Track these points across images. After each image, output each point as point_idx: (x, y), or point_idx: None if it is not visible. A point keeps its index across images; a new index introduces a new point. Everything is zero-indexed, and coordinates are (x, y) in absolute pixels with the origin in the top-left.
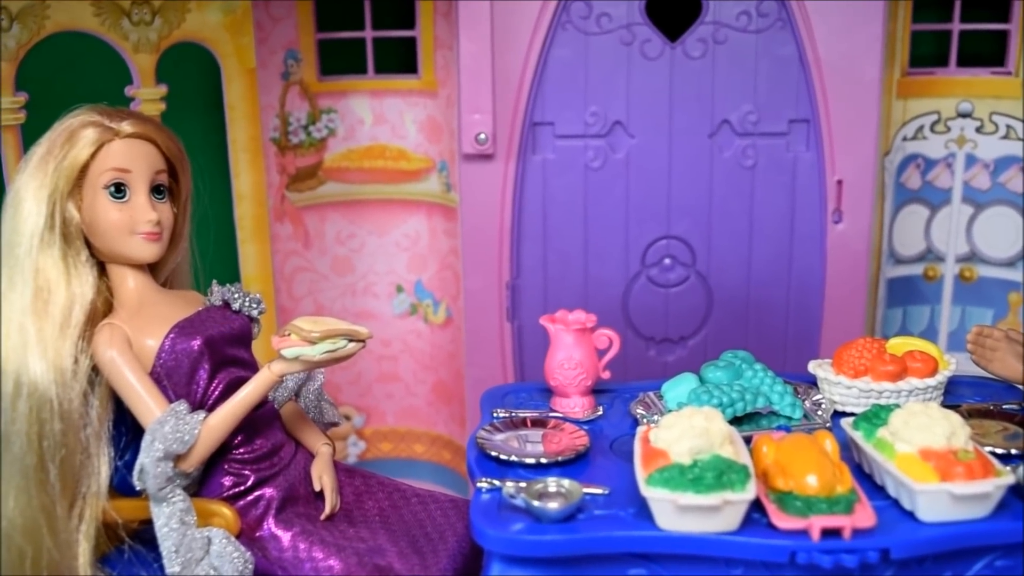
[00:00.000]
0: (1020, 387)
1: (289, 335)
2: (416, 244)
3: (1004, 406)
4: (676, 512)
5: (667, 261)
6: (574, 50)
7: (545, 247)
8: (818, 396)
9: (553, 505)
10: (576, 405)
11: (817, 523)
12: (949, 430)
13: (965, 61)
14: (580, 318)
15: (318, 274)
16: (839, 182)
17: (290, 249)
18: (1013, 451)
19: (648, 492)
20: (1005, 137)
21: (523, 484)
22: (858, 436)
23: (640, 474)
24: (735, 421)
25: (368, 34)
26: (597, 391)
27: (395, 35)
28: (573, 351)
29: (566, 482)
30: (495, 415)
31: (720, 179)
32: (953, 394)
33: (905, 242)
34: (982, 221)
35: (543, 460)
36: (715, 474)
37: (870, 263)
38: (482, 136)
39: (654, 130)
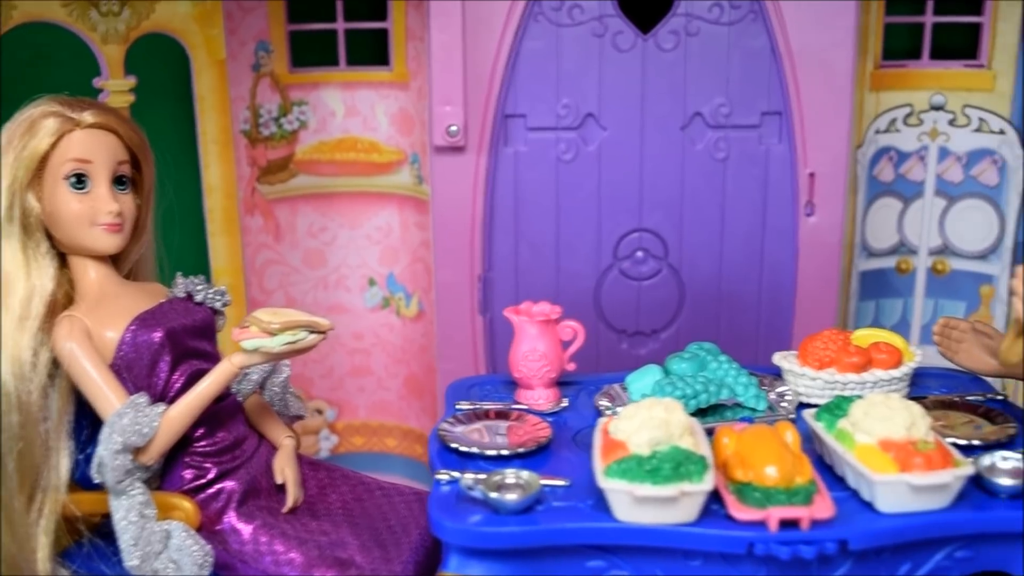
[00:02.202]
0: (986, 379)
1: (249, 327)
2: (388, 237)
3: (969, 398)
4: (633, 503)
5: (639, 254)
6: (546, 42)
7: (517, 240)
8: (783, 388)
9: (511, 497)
10: (541, 397)
11: (775, 514)
12: (909, 421)
13: (938, 54)
14: (544, 310)
15: (289, 267)
16: (811, 175)
17: (261, 242)
18: (976, 442)
19: (605, 483)
20: (978, 130)
21: (482, 476)
22: (819, 427)
23: (598, 465)
24: (700, 412)
25: (340, 26)
26: (563, 383)
27: (367, 27)
28: (537, 343)
29: (524, 474)
30: (458, 407)
31: (692, 172)
32: (920, 386)
33: (878, 235)
34: (955, 214)
35: (504, 452)
36: (672, 465)
37: (842, 256)
38: (453, 128)
39: (626, 122)
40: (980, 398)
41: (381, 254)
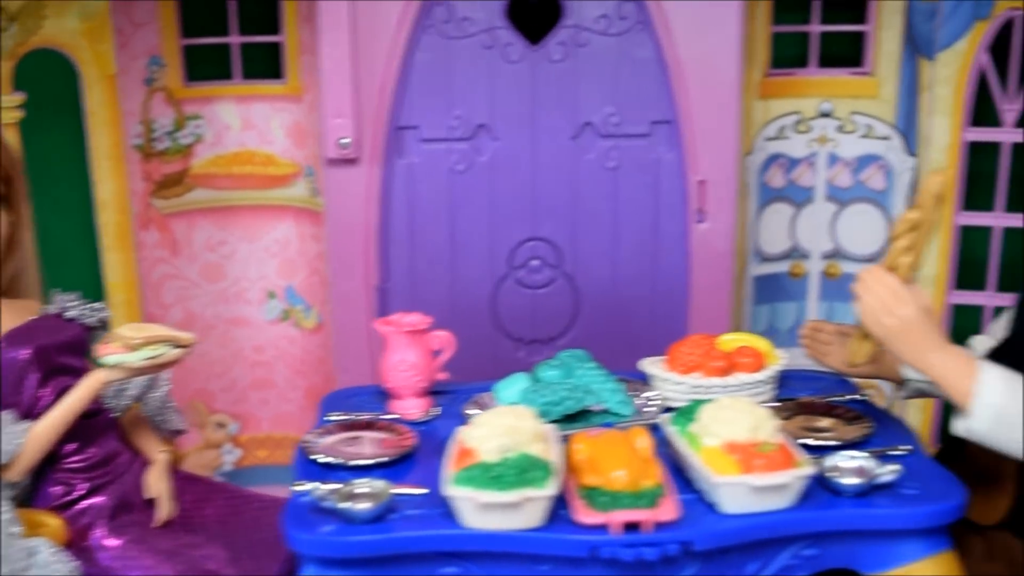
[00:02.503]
0: (851, 380)
1: (112, 343)
2: (286, 249)
3: (831, 399)
4: (479, 510)
5: (534, 262)
6: (436, 54)
7: (412, 251)
8: (652, 393)
9: (362, 506)
10: (412, 407)
11: (617, 517)
12: (753, 423)
13: (826, 62)
14: (412, 320)
15: (188, 281)
16: (701, 182)
17: (157, 257)
18: (832, 442)
19: (452, 491)
20: (865, 136)
21: (337, 486)
22: (672, 431)
23: (447, 473)
24: (569, 418)
25: (234, 39)
26: (436, 392)
27: (261, 40)
28: (406, 353)
29: (376, 483)
30: (328, 418)
31: (584, 180)
32: (787, 387)
33: (770, 240)
34: (845, 218)
35: (366, 462)
36: (517, 472)
37: (734, 262)
38: (344, 141)
39: (518, 133)
40: (842, 399)
41: (280, 267)
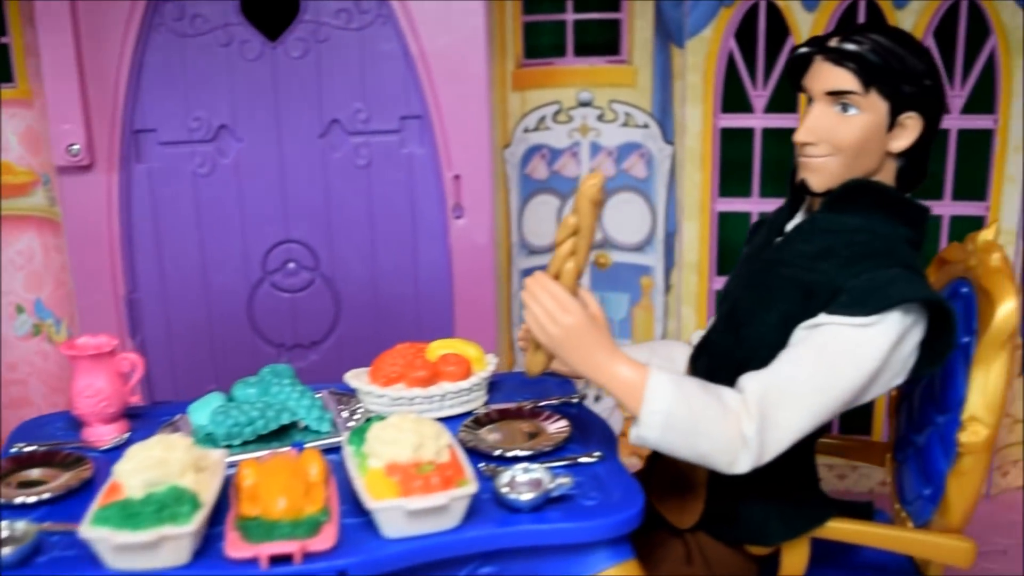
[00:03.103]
0: (573, 382)
1: None
2: (31, 262)
3: (542, 403)
4: (115, 551)
5: (291, 265)
6: (170, 53)
7: (161, 258)
8: (359, 406)
9: (4, 550)
10: (104, 433)
11: (264, 550)
12: (417, 442)
13: (584, 51)
14: (97, 343)
15: None
16: (456, 177)
17: None
18: (523, 452)
19: (86, 531)
20: (624, 124)
21: None
22: (348, 451)
23: (90, 511)
24: (269, 436)
25: None
26: (133, 415)
27: None
28: (93, 378)
29: (19, 524)
30: (15, 449)
31: (335, 179)
32: (502, 392)
33: (537, 232)
34: (611, 208)
35: (29, 500)
36: (155, 508)
37: (496, 255)
38: (75, 148)
39: (262, 133)
40: (555, 403)
41: (26, 280)
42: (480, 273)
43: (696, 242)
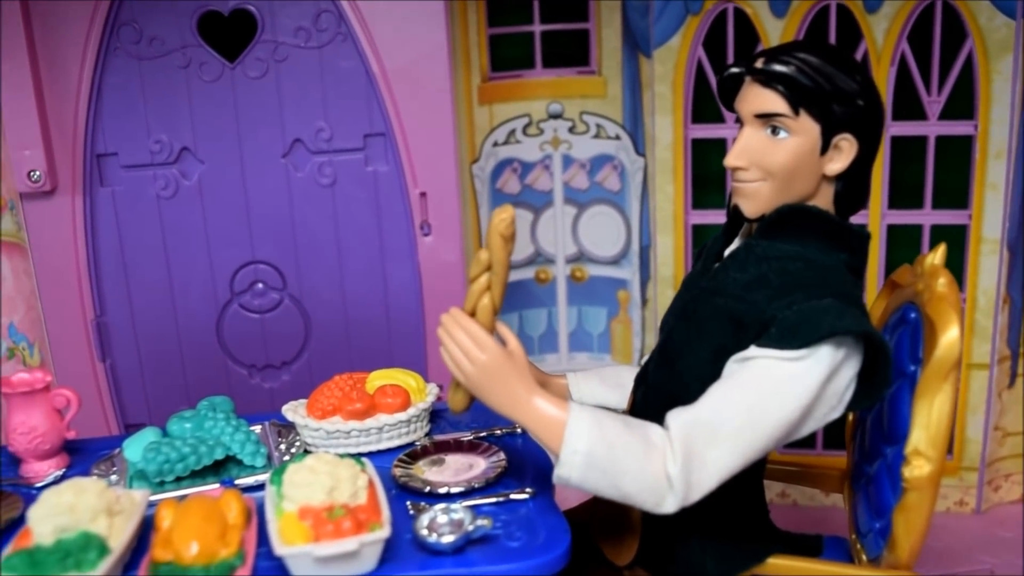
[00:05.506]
0: None
1: None
2: (2, 286)
3: (482, 434)
4: None
5: (259, 286)
6: (128, 76)
7: (128, 281)
8: (297, 439)
9: None
10: (40, 469)
11: None
12: (330, 485)
13: (553, 62)
14: (28, 379)
15: None
16: (422, 194)
17: None
18: (455, 489)
19: None
20: (596, 136)
21: None
22: (270, 491)
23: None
24: (205, 471)
25: None
26: (72, 450)
27: None
28: (26, 415)
29: None
30: None
31: (299, 199)
32: (447, 421)
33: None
34: (586, 221)
35: None
36: (60, 556)
37: (465, 272)
38: (36, 174)
39: (224, 154)
40: (499, 433)
41: None
42: (450, 291)
43: (671, 256)
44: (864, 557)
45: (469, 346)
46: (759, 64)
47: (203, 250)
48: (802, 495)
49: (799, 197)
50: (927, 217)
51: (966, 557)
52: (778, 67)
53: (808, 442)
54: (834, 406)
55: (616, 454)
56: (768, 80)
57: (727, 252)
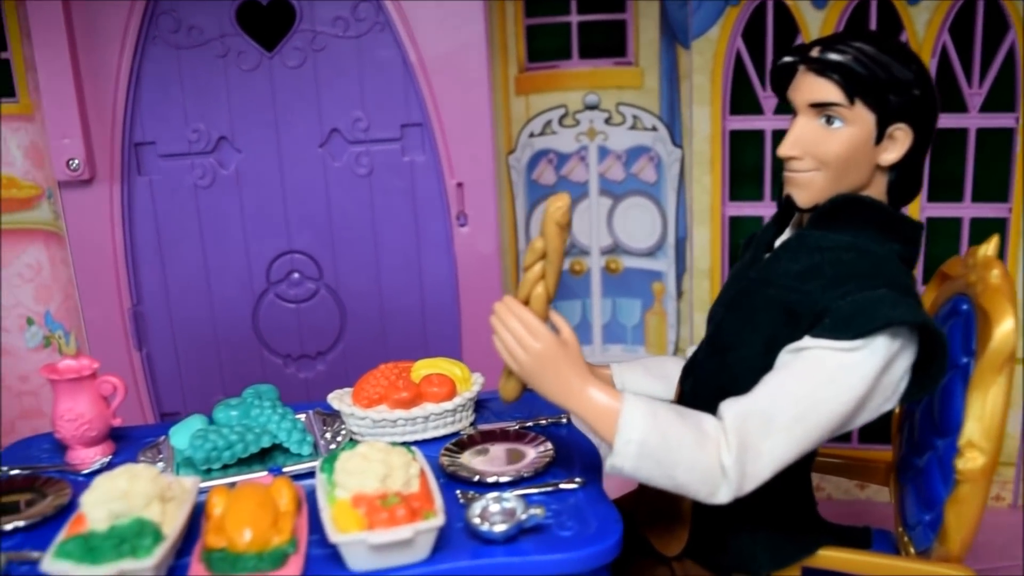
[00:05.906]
0: None
1: None
2: (39, 274)
3: (528, 424)
4: None
5: (295, 276)
6: (167, 65)
7: (164, 270)
8: (343, 427)
9: None
10: (87, 456)
11: None
12: (383, 472)
13: (588, 53)
14: (75, 366)
15: None
16: (459, 184)
17: None
18: (505, 478)
19: (49, 566)
20: (633, 127)
21: None
22: (321, 479)
23: (53, 544)
24: (251, 459)
25: None
26: (117, 437)
27: None
28: (73, 402)
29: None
30: (7, 472)
31: (336, 189)
32: (491, 411)
33: None
34: (621, 212)
35: (5, 527)
36: (116, 542)
37: (502, 263)
38: (75, 162)
39: (261, 143)
40: (543, 423)
41: (36, 292)
42: (486, 282)
43: (707, 248)
44: (912, 550)
45: (523, 334)
46: (814, 53)
47: (239, 239)
48: (836, 488)
49: (852, 187)
50: (967, 210)
51: (1002, 552)
52: (834, 56)
53: (844, 436)
54: (888, 397)
55: (670, 444)
56: (823, 69)
57: (778, 242)
